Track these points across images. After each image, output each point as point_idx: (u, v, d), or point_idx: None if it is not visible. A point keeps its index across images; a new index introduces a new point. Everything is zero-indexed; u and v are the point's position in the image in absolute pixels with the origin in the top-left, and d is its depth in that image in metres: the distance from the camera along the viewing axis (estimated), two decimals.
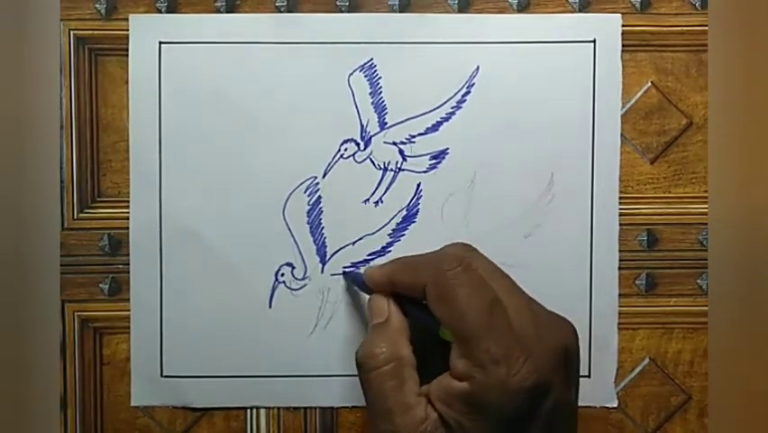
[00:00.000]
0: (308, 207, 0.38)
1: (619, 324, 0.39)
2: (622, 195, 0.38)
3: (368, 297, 0.35)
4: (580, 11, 0.38)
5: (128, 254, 0.38)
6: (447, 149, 0.38)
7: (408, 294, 0.32)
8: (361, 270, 0.36)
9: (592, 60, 0.38)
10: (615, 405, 0.39)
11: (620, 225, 0.38)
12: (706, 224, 0.39)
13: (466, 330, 0.28)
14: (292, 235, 0.38)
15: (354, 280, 0.37)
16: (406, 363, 0.30)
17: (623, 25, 0.38)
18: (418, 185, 0.38)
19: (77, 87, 0.38)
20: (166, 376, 0.38)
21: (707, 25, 0.38)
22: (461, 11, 0.38)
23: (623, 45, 0.38)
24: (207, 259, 0.38)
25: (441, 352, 0.30)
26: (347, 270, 0.38)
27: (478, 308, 0.28)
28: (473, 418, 0.28)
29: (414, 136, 0.38)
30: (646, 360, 0.39)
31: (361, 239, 0.38)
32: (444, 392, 0.28)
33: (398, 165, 0.38)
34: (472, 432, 0.28)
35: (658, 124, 0.39)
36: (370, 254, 0.38)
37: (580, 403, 0.39)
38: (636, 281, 0.39)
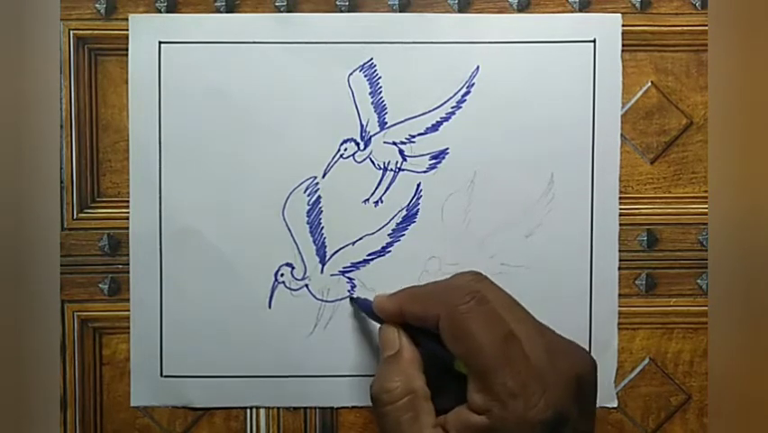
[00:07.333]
0: (308, 207, 0.38)
1: (619, 324, 0.39)
2: (622, 195, 0.38)
3: (376, 324, 0.34)
4: (580, 11, 0.38)
5: (128, 254, 0.38)
6: (447, 149, 0.38)
7: (420, 325, 0.32)
8: (371, 297, 0.35)
9: (592, 60, 0.38)
10: (615, 405, 0.39)
11: (620, 225, 0.38)
12: (706, 224, 0.39)
13: (482, 365, 0.28)
14: (292, 235, 0.38)
15: (363, 308, 0.36)
16: (421, 396, 0.30)
17: (623, 25, 0.38)
18: (418, 185, 0.38)
19: (77, 87, 0.38)
20: (166, 376, 0.38)
21: (707, 25, 0.38)
22: (461, 11, 0.38)
23: (623, 45, 0.38)
24: (207, 259, 0.38)
25: (455, 381, 0.30)
26: (354, 295, 0.38)
27: (493, 342, 0.28)
28: None
29: (414, 136, 0.38)
30: (646, 360, 0.39)
31: (360, 239, 0.38)
32: (463, 426, 0.28)
33: (398, 165, 0.38)
34: None
35: (658, 123, 0.39)
36: (369, 254, 0.38)
37: None
38: (636, 281, 0.39)
